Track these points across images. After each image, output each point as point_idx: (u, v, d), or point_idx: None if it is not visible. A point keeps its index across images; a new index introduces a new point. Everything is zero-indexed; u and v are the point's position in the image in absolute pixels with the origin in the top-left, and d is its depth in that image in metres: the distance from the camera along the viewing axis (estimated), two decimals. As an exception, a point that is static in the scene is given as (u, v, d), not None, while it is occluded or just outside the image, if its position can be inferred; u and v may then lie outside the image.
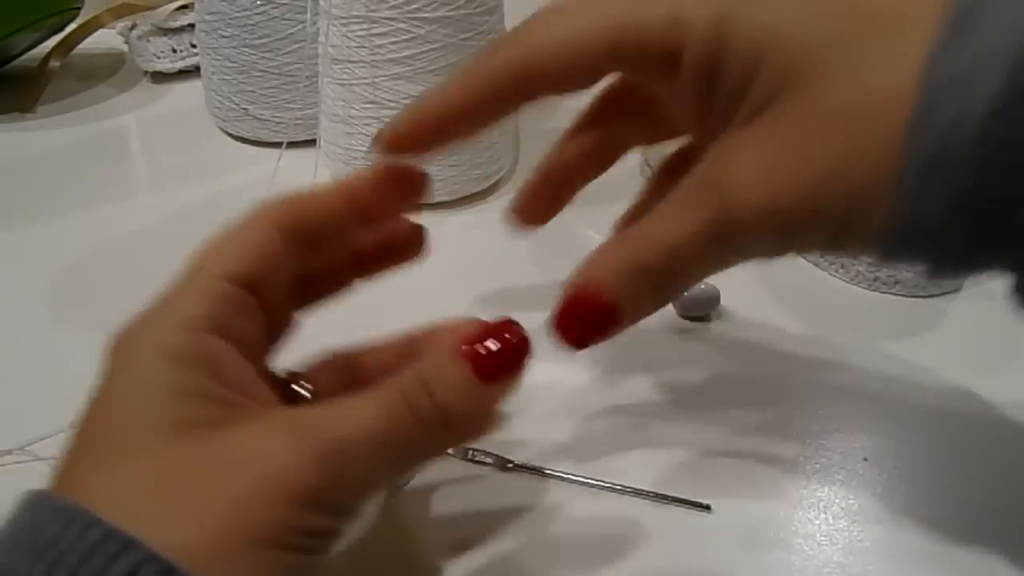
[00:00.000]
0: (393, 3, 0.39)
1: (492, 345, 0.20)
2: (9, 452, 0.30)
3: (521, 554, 0.27)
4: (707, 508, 0.28)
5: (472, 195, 0.46)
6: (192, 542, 0.17)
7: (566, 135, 0.26)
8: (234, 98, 0.51)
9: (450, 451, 0.29)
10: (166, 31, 0.59)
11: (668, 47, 0.20)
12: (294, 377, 0.24)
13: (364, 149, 0.43)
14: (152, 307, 0.21)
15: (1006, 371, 0.35)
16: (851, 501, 0.29)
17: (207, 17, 0.49)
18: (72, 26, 0.60)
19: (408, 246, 0.26)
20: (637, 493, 0.29)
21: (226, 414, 0.19)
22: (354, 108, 0.43)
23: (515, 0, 0.47)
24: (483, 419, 0.21)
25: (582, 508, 0.28)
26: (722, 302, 0.37)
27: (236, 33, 0.48)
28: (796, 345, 0.36)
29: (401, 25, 0.40)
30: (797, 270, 0.41)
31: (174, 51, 0.60)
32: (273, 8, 0.47)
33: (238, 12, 0.48)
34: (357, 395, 0.20)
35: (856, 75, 0.19)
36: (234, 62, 0.49)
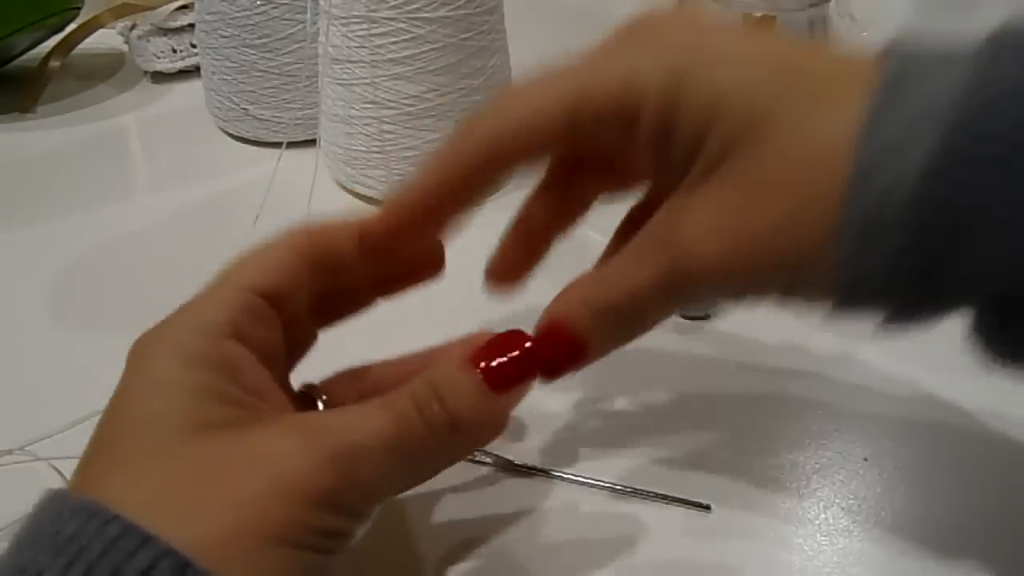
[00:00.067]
0: (393, 3, 0.39)
1: (501, 355, 0.22)
2: (9, 452, 0.30)
3: (521, 554, 0.27)
4: (707, 508, 0.28)
5: (472, 195, 0.46)
6: (209, 539, 0.17)
7: (532, 193, 0.26)
8: (234, 98, 0.51)
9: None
10: (166, 31, 0.59)
11: (624, 112, 0.21)
12: (310, 389, 0.25)
13: (364, 149, 0.43)
14: (175, 313, 0.22)
15: (1004, 371, 0.35)
16: (851, 501, 0.29)
17: (207, 17, 0.49)
18: (72, 26, 0.60)
19: (427, 266, 0.26)
20: (637, 493, 0.29)
21: (243, 416, 0.20)
22: (354, 108, 0.43)
23: (515, 0, 0.47)
24: (492, 426, 0.22)
25: (582, 508, 0.28)
26: (722, 302, 0.37)
27: (236, 33, 0.48)
28: (796, 345, 0.36)
29: (401, 25, 0.40)
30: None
31: (174, 51, 0.60)
32: (273, 8, 0.47)
33: (238, 12, 0.48)
34: (369, 402, 0.21)
35: (798, 139, 0.20)
36: (234, 62, 0.49)
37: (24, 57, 0.61)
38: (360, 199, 0.46)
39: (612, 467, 0.30)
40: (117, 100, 0.59)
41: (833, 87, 0.20)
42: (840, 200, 0.19)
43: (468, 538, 0.27)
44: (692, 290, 0.22)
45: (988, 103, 0.18)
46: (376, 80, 0.41)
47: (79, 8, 0.59)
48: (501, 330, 0.23)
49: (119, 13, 0.59)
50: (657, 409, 0.33)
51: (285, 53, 0.49)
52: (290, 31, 0.48)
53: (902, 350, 0.36)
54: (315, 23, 0.44)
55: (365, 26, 0.40)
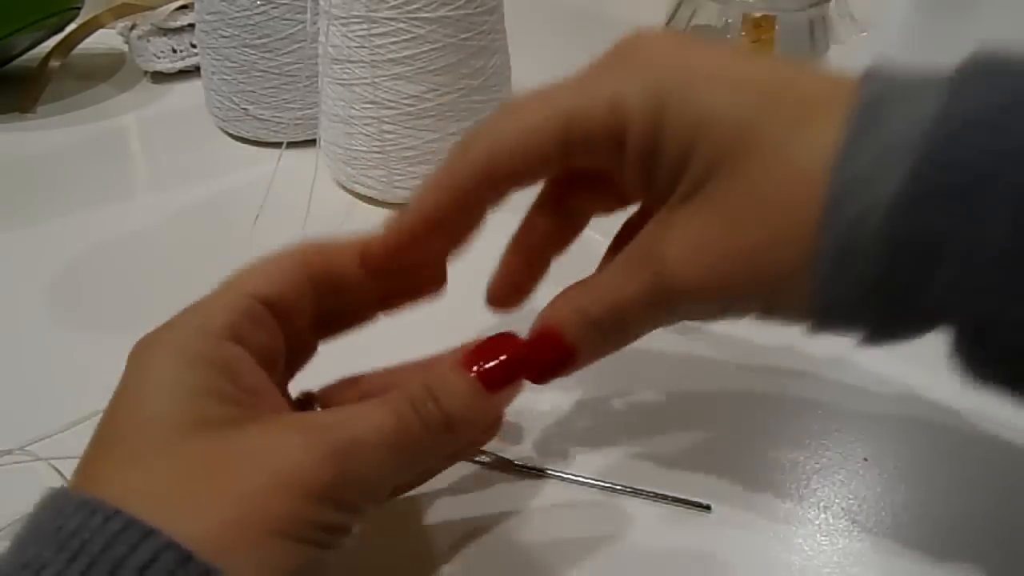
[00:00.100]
0: (393, 3, 0.39)
1: (493, 357, 0.22)
2: (9, 452, 0.30)
3: (521, 554, 0.27)
4: (707, 508, 0.28)
5: (472, 195, 0.46)
6: (211, 532, 0.18)
7: (529, 212, 0.27)
8: (234, 98, 0.51)
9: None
10: (166, 31, 0.59)
11: (612, 132, 0.22)
12: (307, 397, 0.26)
13: (364, 149, 0.43)
14: (176, 316, 0.22)
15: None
16: (851, 501, 0.29)
17: (207, 17, 0.49)
18: (72, 26, 0.60)
19: (429, 283, 0.27)
20: (637, 493, 0.29)
21: (242, 415, 0.20)
22: (354, 108, 0.43)
23: (515, 0, 0.47)
24: (485, 424, 0.23)
25: (582, 508, 0.28)
26: (722, 302, 0.37)
27: (236, 33, 0.48)
28: (796, 345, 0.36)
29: (401, 25, 0.40)
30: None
31: (174, 51, 0.60)
32: (273, 8, 0.47)
33: (238, 12, 0.48)
34: (367, 402, 0.21)
35: (778, 164, 0.20)
36: (234, 62, 0.49)
37: (24, 57, 0.61)
38: (360, 199, 0.46)
39: (612, 467, 0.30)
40: (117, 100, 0.59)
41: (814, 112, 0.20)
42: (816, 227, 0.19)
43: (468, 538, 0.27)
44: (675, 306, 0.23)
45: (953, 135, 0.18)
46: (376, 80, 0.41)
47: (79, 8, 0.59)
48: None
49: (119, 13, 0.59)
50: (657, 409, 0.33)
51: (285, 53, 0.49)
52: (290, 31, 0.48)
53: (902, 351, 0.35)
54: (315, 23, 0.44)
55: (365, 26, 0.40)
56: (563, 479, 0.29)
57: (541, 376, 0.24)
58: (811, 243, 0.19)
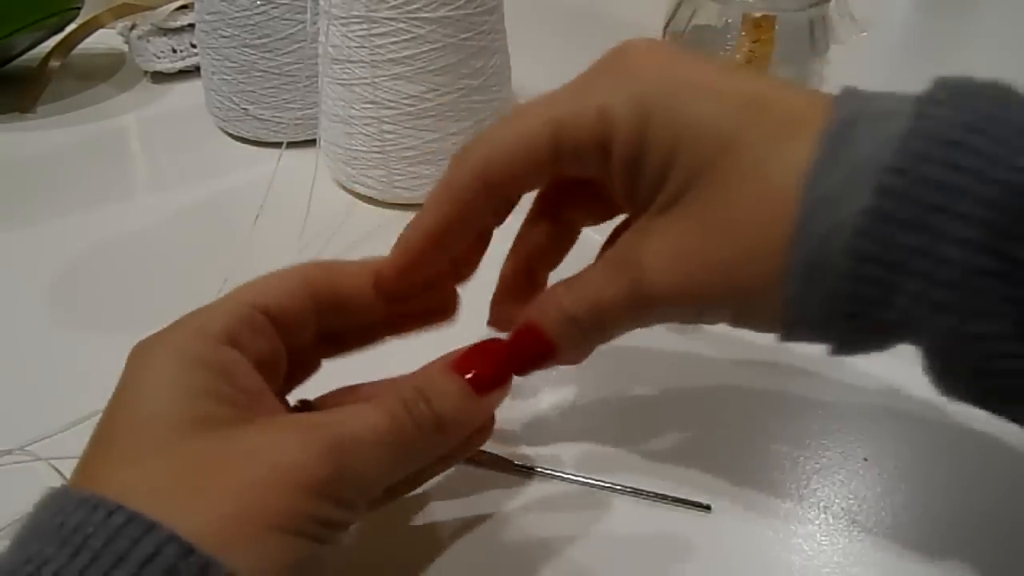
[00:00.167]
0: (393, 3, 0.39)
1: (482, 360, 0.23)
2: (9, 452, 0.30)
3: (521, 554, 0.27)
4: (707, 508, 0.28)
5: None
6: (211, 526, 0.18)
7: (524, 225, 0.28)
8: (234, 98, 0.51)
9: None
10: (166, 31, 0.59)
11: (599, 140, 0.22)
12: (304, 405, 0.26)
13: (364, 149, 0.43)
14: (175, 321, 0.23)
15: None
16: (851, 501, 0.29)
17: (207, 17, 0.49)
18: (72, 26, 0.60)
19: (440, 309, 0.27)
20: (637, 493, 0.29)
21: (240, 415, 0.21)
22: (354, 108, 0.43)
23: (515, 0, 0.47)
24: (474, 425, 0.24)
25: (582, 508, 0.28)
26: (722, 302, 0.37)
27: (236, 33, 0.48)
28: (796, 345, 0.36)
29: (401, 25, 0.40)
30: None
31: (174, 51, 0.60)
32: (273, 8, 0.47)
33: (238, 12, 0.48)
34: (361, 404, 0.22)
35: (754, 180, 0.21)
36: (234, 62, 0.49)
37: (24, 57, 0.61)
38: (360, 199, 0.46)
39: (612, 467, 0.30)
40: (117, 100, 0.59)
41: (791, 129, 0.21)
42: (788, 243, 0.20)
43: (467, 538, 0.27)
44: (651, 311, 0.23)
45: (918, 154, 0.19)
46: (376, 80, 0.41)
47: (79, 8, 0.59)
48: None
49: (119, 13, 0.59)
50: (657, 409, 0.33)
51: (285, 53, 0.49)
52: (290, 31, 0.48)
53: (903, 351, 0.36)
54: (315, 23, 0.44)
55: (365, 26, 0.40)
56: (563, 479, 0.29)
57: (521, 368, 0.25)
58: (783, 259, 0.20)
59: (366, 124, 0.43)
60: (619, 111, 0.22)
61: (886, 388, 0.34)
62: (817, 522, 0.28)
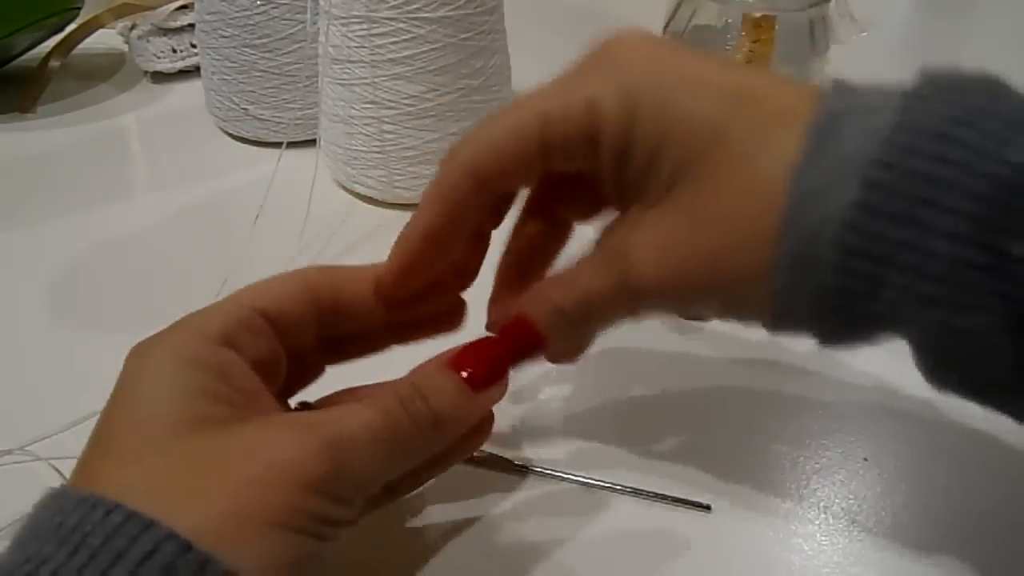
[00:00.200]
0: (393, 3, 0.39)
1: (477, 358, 0.23)
2: (9, 452, 0.30)
3: (521, 554, 0.27)
4: (707, 508, 0.28)
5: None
6: (210, 524, 0.18)
7: (515, 225, 0.28)
8: (234, 98, 0.51)
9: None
10: (166, 31, 0.59)
11: (587, 132, 0.22)
12: (304, 406, 0.26)
13: (364, 149, 0.43)
14: (173, 323, 0.23)
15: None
16: (851, 501, 0.29)
17: (207, 17, 0.49)
18: (72, 26, 0.60)
19: (447, 319, 0.27)
20: (637, 493, 0.29)
21: (237, 414, 0.21)
22: (354, 108, 0.43)
23: (515, 0, 0.47)
24: (471, 422, 0.24)
25: (582, 508, 0.28)
26: (722, 302, 0.37)
27: (236, 33, 0.48)
28: (796, 344, 0.36)
29: (401, 25, 0.40)
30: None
31: (174, 51, 0.60)
32: (273, 8, 0.47)
33: (238, 12, 0.48)
34: (358, 403, 0.22)
35: (742, 173, 0.21)
36: (234, 62, 0.49)
37: (24, 57, 0.61)
38: (360, 199, 0.46)
39: (612, 467, 0.30)
40: (117, 100, 0.59)
41: (779, 122, 0.21)
42: (776, 236, 0.20)
43: (467, 537, 0.27)
44: (639, 303, 0.24)
45: (905, 147, 0.19)
46: (376, 80, 0.41)
47: (79, 8, 0.59)
48: None
49: (119, 13, 0.59)
50: (657, 409, 0.33)
51: (285, 53, 0.49)
52: (290, 31, 0.48)
53: (903, 350, 0.36)
54: (315, 23, 0.44)
55: (365, 26, 0.40)
56: (563, 479, 0.29)
57: (513, 360, 0.25)
58: (770, 251, 0.20)
59: (366, 124, 0.43)
60: (607, 103, 0.22)
61: (886, 388, 0.34)
62: (817, 522, 0.28)
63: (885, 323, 0.20)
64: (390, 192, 0.44)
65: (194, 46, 0.60)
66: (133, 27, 0.60)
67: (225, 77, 0.50)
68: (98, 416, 0.21)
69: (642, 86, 0.22)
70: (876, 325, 0.20)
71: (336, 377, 0.27)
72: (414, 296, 0.26)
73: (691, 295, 0.23)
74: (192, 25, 0.58)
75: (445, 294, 0.27)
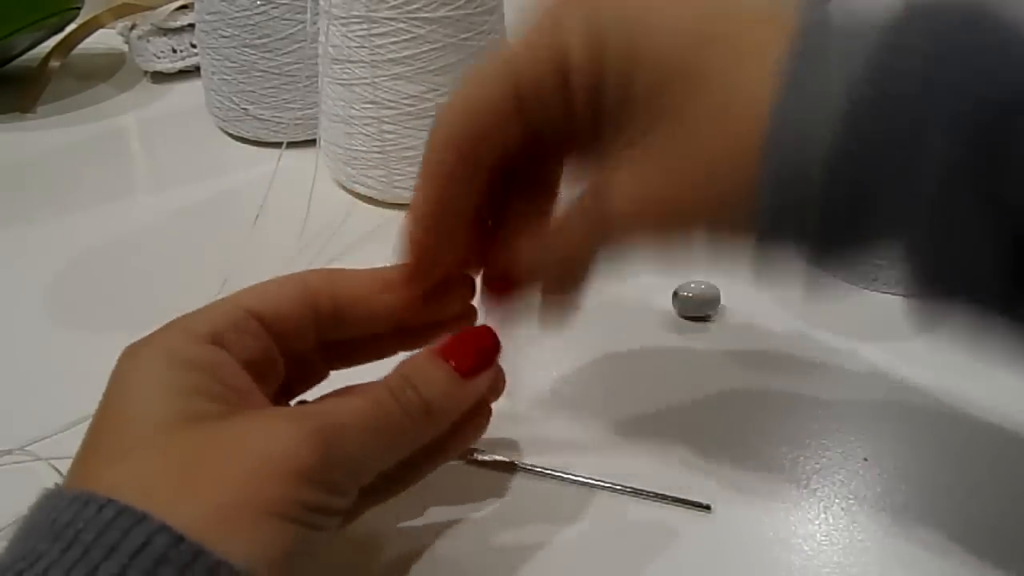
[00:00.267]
0: (393, 3, 0.39)
1: (466, 346, 0.24)
2: (9, 452, 0.30)
3: (521, 554, 0.27)
4: (707, 508, 0.28)
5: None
6: (203, 515, 0.18)
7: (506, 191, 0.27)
8: (234, 98, 0.51)
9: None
10: (166, 31, 0.59)
11: (558, 76, 0.22)
12: (301, 404, 0.26)
13: (364, 149, 0.43)
14: (164, 324, 0.23)
15: (1005, 371, 0.35)
16: (851, 501, 0.29)
17: (207, 17, 0.49)
18: (72, 26, 0.60)
19: (456, 325, 0.27)
20: (637, 493, 0.29)
21: (227, 410, 0.21)
22: (354, 108, 0.43)
23: (515, 1, 0.47)
24: (462, 408, 0.24)
25: (582, 508, 0.28)
26: (722, 302, 0.37)
27: (236, 33, 0.48)
28: (796, 345, 0.36)
29: (401, 25, 0.40)
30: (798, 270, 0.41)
31: (174, 51, 0.60)
32: (273, 8, 0.47)
33: (238, 12, 0.48)
34: (348, 394, 0.22)
35: (718, 94, 0.21)
36: (234, 62, 0.49)
37: (24, 57, 0.61)
38: (360, 199, 0.46)
39: (612, 467, 0.30)
40: (117, 100, 0.59)
41: (752, 42, 0.21)
42: (758, 154, 0.20)
43: (466, 537, 0.27)
44: (620, 236, 0.23)
45: (887, 66, 0.19)
46: (376, 80, 0.41)
47: (79, 8, 0.59)
48: None
49: (119, 13, 0.59)
50: (657, 409, 0.33)
51: (285, 53, 0.49)
52: (290, 31, 0.48)
53: (903, 350, 0.36)
54: (315, 23, 0.44)
55: (365, 26, 0.40)
56: (563, 479, 0.29)
57: (497, 297, 0.25)
58: (753, 174, 0.20)
59: (366, 124, 0.43)
60: (574, 47, 0.22)
61: (886, 388, 0.34)
62: (817, 522, 0.28)
63: (875, 233, 0.20)
64: (390, 192, 0.44)
65: (194, 46, 0.60)
66: (133, 27, 0.60)
67: (225, 77, 0.50)
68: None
69: (608, 19, 0.22)
70: (866, 236, 0.20)
71: (342, 382, 0.27)
72: (425, 296, 0.25)
73: (675, 219, 0.22)
74: (192, 25, 0.58)
75: (454, 299, 0.27)
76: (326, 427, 0.20)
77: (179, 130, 0.55)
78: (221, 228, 0.44)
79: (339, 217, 0.44)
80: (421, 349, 0.25)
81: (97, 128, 0.55)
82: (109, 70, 0.63)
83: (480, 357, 0.24)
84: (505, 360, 0.25)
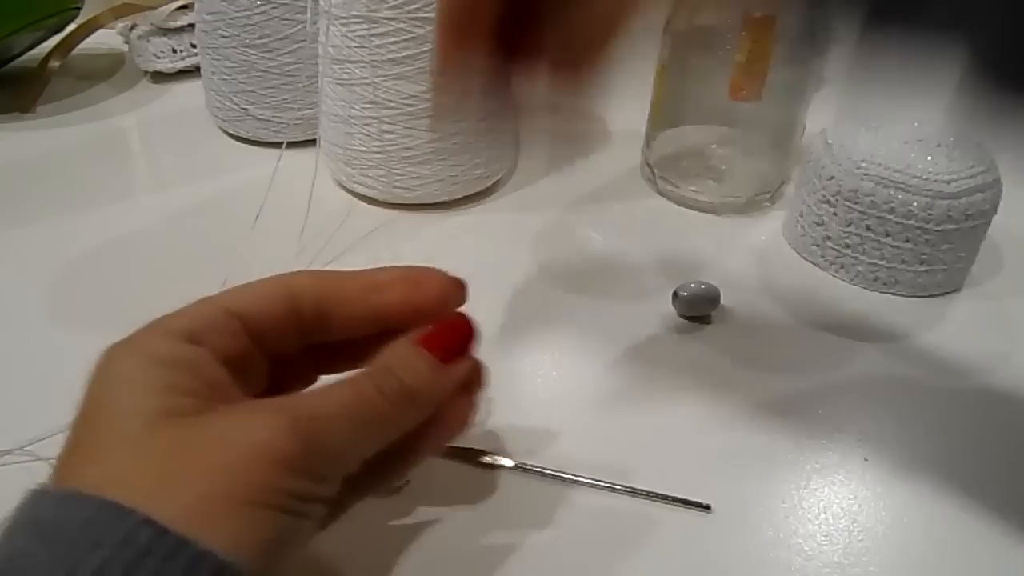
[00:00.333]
0: (393, 3, 0.39)
1: (445, 334, 0.24)
2: (9, 452, 0.30)
3: (521, 554, 0.27)
4: (707, 508, 0.28)
5: (472, 195, 0.46)
6: (185, 507, 0.18)
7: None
8: (234, 98, 0.51)
9: (447, 451, 0.29)
10: (166, 31, 0.59)
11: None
12: None
13: (364, 149, 0.43)
14: (147, 323, 0.23)
15: (1005, 371, 0.35)
16: (851, 501, 0.29)
17: (207, 17, 0.49)
18: (72, 26, 0.60)
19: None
20: (637, 493, 0.29)
21: (207, 405, 0.21)
22: (354, 108, 0.43)
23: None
24: (443, 394, 0.24)
25: (582, 508, 0.28)
26: (722, 302, 0.37)
27: (236, 33, 0.48)
28: (795, 345, 0.36)
29: (401, 25, 0.40)
30: (797, 270, 0.41)
31: (174, 51, 0.60)
32: (273, 8, 0.47)
33: (238, 12, 0.48)
34: (329, 384, 0.22)
35: None
36: (234, 62, 0.49)
37: (24, 57, 0.61)
38: (360, 199, 0.46)
39: (612, 467, 0.30)
40: (117, 100, 0.59)
41: None
42: None
43: (466, 537, 0.27)
44: None
45: None
46: (376, 80, 0.41)
47: (79, 8, 0.59)
48: None
49: (119, 13, 0.59)
50: (657, 409, 0.33)
51: (285, 53, 0.49)
52: (290, 31, 0.48)
53: (903, 350, 0.36)
54: (315, 23, 0.44)
55: (365, 26, 0.40)
56: (563, 479, 0.29)
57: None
58: None
59: (366, 124, 0.43)
60: None
61: (886, 387, 0.34)
62: (817, 522, 0.28)
63: None
64: (390, 192, 0.44)
65: (194, 46, 0.60)
66: (133, 27, 0.60)
67: (225, 77, 0.50)
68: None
69: None
70: None
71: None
72: (415, 295, 0.25)
73: None
74: (192, 25, 0.58)
75: (444, 309, 0.26)
76: (306, 416, 0.21)
77: (179, 130, 0.55)
78: (221, 228, 0.44)
79: (339, 217, 0.44)
80: (399, 338, 0.25)
81: (97, 128, 0.55)
82: (109, 70, 0.63)
83: (459, 344, 0.24)
84: (479, 352, 0.25)
